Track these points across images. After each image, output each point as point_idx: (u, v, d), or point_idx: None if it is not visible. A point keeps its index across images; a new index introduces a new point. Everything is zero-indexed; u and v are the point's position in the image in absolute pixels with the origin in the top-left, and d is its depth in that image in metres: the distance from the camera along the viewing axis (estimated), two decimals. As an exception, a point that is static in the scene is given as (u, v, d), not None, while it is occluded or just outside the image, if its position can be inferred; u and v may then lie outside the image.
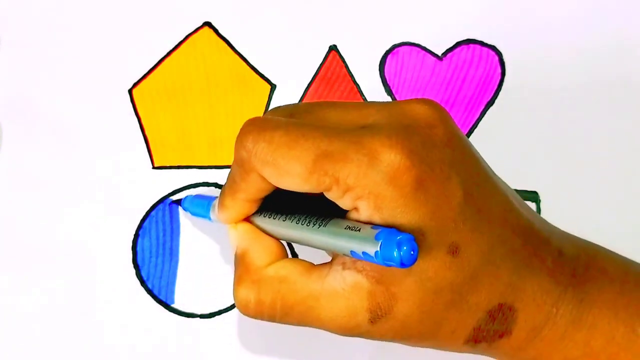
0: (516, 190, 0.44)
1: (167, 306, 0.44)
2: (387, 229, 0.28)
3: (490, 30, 0.47)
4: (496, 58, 0.46)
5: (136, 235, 0.44)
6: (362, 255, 0.29)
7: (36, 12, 0.47)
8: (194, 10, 0.47)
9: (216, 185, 0.45)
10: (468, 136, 0.46)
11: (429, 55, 0.47)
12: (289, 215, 0.33)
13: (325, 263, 0.32)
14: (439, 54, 0.47)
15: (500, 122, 0.46)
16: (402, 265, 0.28)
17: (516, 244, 0.31)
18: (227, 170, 0.45)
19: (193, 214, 0.42)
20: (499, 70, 0.46)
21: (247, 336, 0.43)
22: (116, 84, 0.46)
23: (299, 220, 0.33)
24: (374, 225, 0.29)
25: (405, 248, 0.28)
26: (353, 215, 0.30)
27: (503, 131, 0.46)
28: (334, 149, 0.30)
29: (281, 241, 0.35)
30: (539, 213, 0.44)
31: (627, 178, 0.45)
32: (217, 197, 0.38)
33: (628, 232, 0.44)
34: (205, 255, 0.44)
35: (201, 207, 0.40)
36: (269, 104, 0.46)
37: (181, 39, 0.47)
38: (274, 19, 0.47)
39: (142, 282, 0.44)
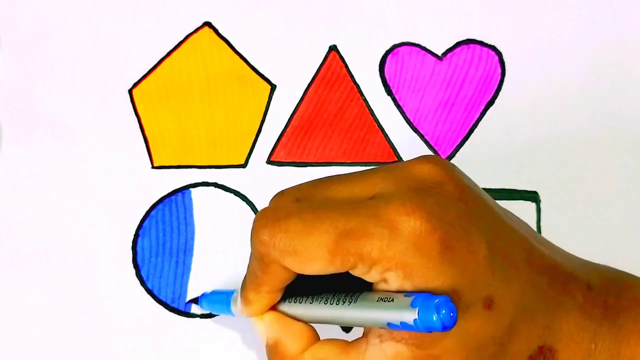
0: (516, 191, 0.44)
1: (167, 306, 0.44)
2: (423, 294, 0.28)
3: (490, 30, 0.47)
4: (496, 58, 0.46)
5: (136, 235, 0.44)
6: (399, 326, 0.28)
7: (36, 12, 0.47)
8: (194, 10, 0.47)
9: (216, 184, 0.45)
10: (468, 136, 0.46)
11: (429, 55, 0.47)
12: (316, 297, 0.33)
13: (360, 339, 0.32)
14: (439, 54, 0.47)
15: (500, 122, 0.46)
16: (444, 328, 0.27)
17: (543, 284, 0.31)
18: (227, 170, 0.45)
19: (212, 311, 0.42)
20: (499, 70, 0.46)
21: (247, 336, 0.43)
22: (116, 84, 0.46)
23: (327, 300, 0.32)
24: (407, 293, 0.29)
25: (444, 311, 0.27)
26: (381, 286, 0.30)
27: (503, 131, 0.46)
28: (352, 227, 0.29)
29: (311, 324, 0.34)
30: (539, 213, 0.44)
31: (627, 178, 0.45)
32: (235, 290, 0.37)
33: (628, 232, 0.44)
34: (211, 255, 0.44)
35: (220, 303, 0.40)
36: (269, 104, 0.46)
37: (181, 39, 0.47)
38: (274, 19, 0.47)
39: (142, 282, 0.44)
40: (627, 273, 0.34)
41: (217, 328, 0.43)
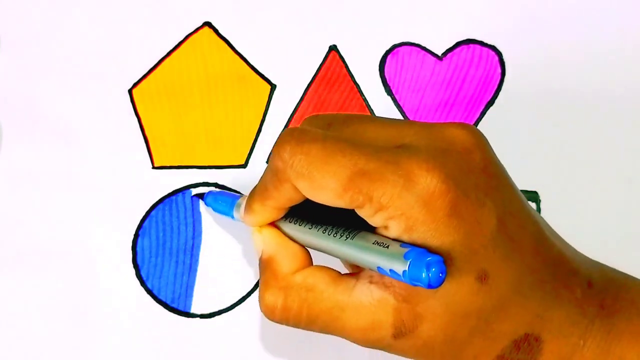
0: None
1: (167, 306, 0.44)
2: (417, 249, 0.28)
3: (490, 30, 0.47)
4: (496, 58, 0.46)
5: (136, 235, 0.44)
6: (389, 273, 0.29)
7: (36, 12, 0.47)
8: (194, 10, 0.47)
9: (216, 185, 0.45)
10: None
11: (429, 55, 0.47)
12: (316, 225, 0.33)
13: (352, 274, 0.32)
14: (439, 54, 0.47)
15: (500, 122, 0.46)
16: (430, 286, 0.28)
17: (546, 274, 0.31)
18: (227, 170, 0.45)
19: (215, 210, 0.42)
20: (499, 70, 0.46)
21: (247, 336, 0.43)
22: (116, 84, 0.46)
23: (325, 230, 0.33)
24: (403, 243, 0.29)
25: (434, 269, 0.28)
26: (381, 231, 0.30)
27: (503, 131, 0.46)
28: (370, 168, 0.30)
29: (307, 248, 0.35)
30: (539, 213, 0.44)
31: (627, 178, 0.45)
32: (241, 195, 0.38)
33: (628, 232, 0.44)
34: (211, 255, 0.44)
35: (224, 204, 0.40)
36: (269, 104, 0.46)
37: (181, 39, 0.47)
38: (274, 19, 0.47)
39: (142, 282, 0.44)
40: (630, 275, 0.34)
41: (217, 328, 0.43)
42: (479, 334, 0.31)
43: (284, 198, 0.33)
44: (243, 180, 0.45)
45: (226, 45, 0.47)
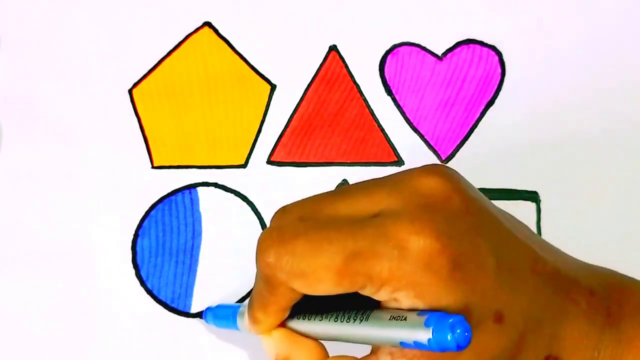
0: (516, 191, 0.44)
1: (167, 306, 0.44)
2: (436, 313, 0.28)
3: (490, 30, 0.47)
4: (496, 58, 0.46)
5: (136, 235, 0.44)
6: (413, 345, 0.28)
7: (36, 12, 0.47)
8: (194, 10, 0.47)
9: (216, 185, 0.45)
10: (468, 136, 0.46)
11: (429, 55, 0.47)
12: (326, 314, 0.32)
13: (370, 356, 0.31)
14: (439, 54, 0.47)
15: (500, 122, 0.46)
16: (459, 348, 0.27)
17: (548, 292, 0.31)
18: (227, 170, 0.45)
19: (218, 325, 0.41)
20: (499, 70, 0.46)
21: (247, 336, 0.43)
22: (116, 84, 0.46)
23: (337, 318, 0.32)
24: (419, 311, 0.29)
25: (458, 331, 0.27)
26: (392, 305, 0.30)
27: (503, 131, 0.46)
28: (360, 247, 0.29)
29: (320, 341, 0.34)
30: (539, 213, 0.44)
31: (627, 178, 0.45)
32: (242, 305, 0.37)
33: (628, 232, 0.44)
34: (211, 255, 0.44)
35: (226, 318, 0.39)
36: (269, 104, 0.46)
37: (181, 39, 0.47)
38: (274, 19, 0.47)
39: (142, 282, 0.44)
40: (629, 277, 0.34)
41: (217, 328, 0.43)
42: None
43: (283, 300, 0.32)
44: (243, 180, 0.45)
45: (226, 45, 0.47)
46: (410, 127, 0.46)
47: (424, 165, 0.32)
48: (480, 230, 0.30)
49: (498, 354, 0.30)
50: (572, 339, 0.31)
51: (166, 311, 0.44)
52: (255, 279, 0.33)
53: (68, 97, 0.46)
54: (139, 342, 0.43)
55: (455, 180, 0.31)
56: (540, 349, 0.31)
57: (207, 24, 0.47)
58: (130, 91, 0.46)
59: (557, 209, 0.44)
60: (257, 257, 0.31)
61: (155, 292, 0.44)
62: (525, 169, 0.45)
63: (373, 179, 0.32)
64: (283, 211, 0.33)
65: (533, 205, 0.45)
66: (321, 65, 0.47)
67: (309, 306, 0.33)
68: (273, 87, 0.46)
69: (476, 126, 0.46)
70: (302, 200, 0.33)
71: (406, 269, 0.29)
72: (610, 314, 0.32)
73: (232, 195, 0.45)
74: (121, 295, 0.44)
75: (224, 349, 0.43)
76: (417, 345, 0.28)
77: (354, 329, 0.31)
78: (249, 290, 0.44)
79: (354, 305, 0.31)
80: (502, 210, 0.33)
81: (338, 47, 0.47)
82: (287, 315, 0.34)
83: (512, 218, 0.33)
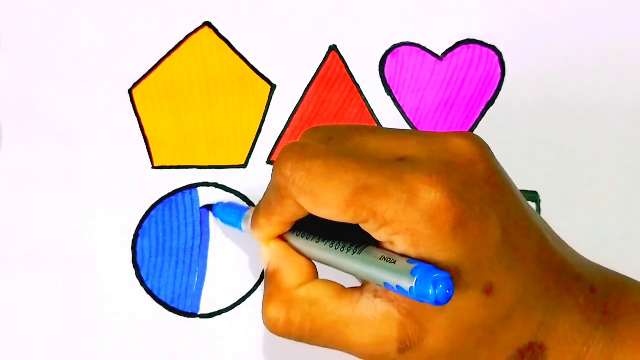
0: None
1: (167, 306, 0.44)
2: (424, 265, 0.28)
3: (490, 30, 0.47)
4: (496, 58, 0.46)
5: (136, 235, 0.44)
6: (395, 289, 0.29)
7: (36, 12, 0.47)
8: (194, 10, 0.47)
9: (216, 185, 0.45)
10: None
11: (429, 55, 0.47)
12: (323, 239, 0.33)
13: (356, 288, 0.32)
14: (439, 54, 0.47)
15: (500, 122, 0.46)
16: (437, 303, 0.27)
17: (549, 281, 0.31)
18: (227, 171, 0.45)
19: (223, 221, 0.42)
20: (499, 70, 0.46)
21: (247, 336, 0.43)
22: (116, 84, 0.46)
23: (332, 244, 0.33)
24: (410, 259, 0.29)
25: (441, 287, 0.27)
26: (387, 246, 0.30)
27: (503, 131, 0.46)
28: (373, 183, 0.29)
29: (313, 261, 0.34)
30: (539, 213, 0.44)
31: (627, 178, 0.45)
32: (249, 207, 0.38)
33: (628, 232, 0.44)
34: (211, 255, 0.44)
35: (233, 215, 0.40)
36: (269, 104, 0.46)
37: (181, 39, 0.47)
38: (274, 19, 0.47)
39: (142, 282, 0.44)
40: (631, 279, 0.34)
41: (217, 328, 0.43)
42: (485, 345, 0.31)
43: (288, 213, 0.33)
44: (243, 180, 0.45)
45: (226, 45, 0.47)
46: (410, 127, 0.46)
47: (459, 131, 0.32)
48: (494, 203, 0.30)
49: (478, 324, 0.30)
50: (563, 331, 0.31)
51: (166, 311, 0.44)
52: (268, 187, 0.33)
53: (68, 97, 0.46)
54: (139, 342, 0.43)
55: (486, 149, 0.32)
56: (525, 333, 0.31)
57: (207, 24, 0.47)
58: (130, 91, 0.46)
59: (557, 209, 0.44)
60: (275, 166, 0.31)
61: (155, 292, 0.44)
62: (525, 169, 0.45)
63: (407, 129, 0.33)
64: (314, 129, 0.34)
65: (533, 205, 0.45)
66: (321, 65, 0.47)
67: (311, 227, 0.34)
68: (273, 87, 0.46)
69: (476, 126, 0.46)
70: (336, 125, 0.33)
71: (410, 215, 0.29)
72: (607, 312, 0.32)
73: (232, 195, 0.45)
74: (121, 295, 0.44)
75: (224, 349, 0.43)
76: (399, 290, 0.29)
77: (345, 259, 0.32)
78: (249, 290, 0.44)
79: (353, 239, 0.32)
80: (523, 197, 0.33)
81: (338, 47, 0.47)
82: (288, 228, 0.34)
83: (531, 207, 0.33)
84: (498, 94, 0.46)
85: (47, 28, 0.47)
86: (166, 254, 0.44)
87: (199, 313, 0.44)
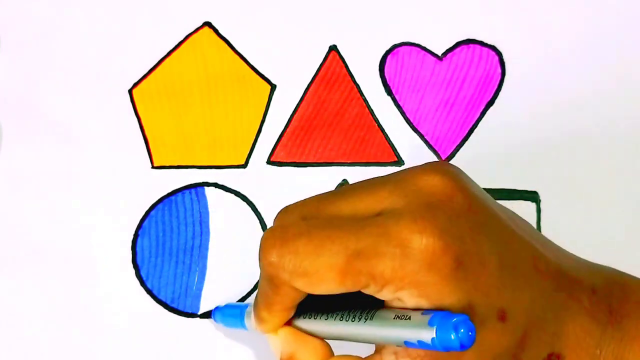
0: (516, 191, 0.44)
1: (167, 306, 0.44)
2: (440, 313, 0.28)
3: (490, 30, 0.47)
4: (496, 58, 0.46)
5: (136, 235, 0.44)
6: (417, 344, 0.28)
7: (36, 12, 0.47)
8: (194, 10, 0.47)
9: (216, 185, 0.45)
10: (468, 136, 0.46)
11: (429, 55, 0.47)
12: (331, 314, 0.33)
13: (374, 355, 0.32)
14: (439, 54, 0.47)
15: (500, 122, 0.46)
16: (462, 347, 0.27)
17: (551, 290, 0.31)
18: (227, 171, 0.45)
19: (226, 325, 0.41)
20: (499, 70, 0.46)
21: (247, 336, 0.43)
22: (116, 84, 0.46)
23: (342, 317, 0.32)
24: (423, 311, 0.29)
25: (462, 330, 0.27)
26: (395, 304, 0.30)
27: (503, 131, 0.46)
28: (363, 246, 0.29)
29: (326, 340, 0.34)
30: (539, 213, 0.44)
31: (627, 178, 0.45)
32: (249, 304, 0.37)
33: (628, 232, 0.44)
34: (211, 255, 0.44)
35: (233, 317, 0.40)
36: (269, 104, 0.46)
37: (181, 39, 0.47)
38: (274, 19, 0.47)
39: (142, 282, 0.44)
40: (630, 275, 0.34)
41: (217, 328, 0.43)
42: None
43: (287, 299, 0.32)
44: (243, 180, 0.45)
45: (226, 45, 0.47)
46: (410, 127, 0.46)
47: (426, 163, 0.32)
48: (482, 229, 0.30)
49: (501, 352, 0.30)
50: (575, 337, 0.31)
51: (166, 311, 0.44)
52: (259, 279, 0.33)
53: (68, 97, 0.46)
54: (139, 342, 0.43)
55: (457, 178, 0.31)
56: (543, 346, 0.31)
57: (207, 24, 0.47)
58: (130, 91, 0.46)
59: (557, 209, 0.44)
60: (260, 257, 0.31)
61: (155, 292, 0.44)
62: (525, 169, 0.45)
63: (375, 178, 0.32)
64: (285, 211, 0.33)
65: (533, 205, 0.45)
66: (321, 65, 0.47)
67: (315, 305, 0.33)
68: (273, 87, 0.46)
69: (476, 126, 0.46)
70: (304, 200, 0.33)
71: (409, 268, 0.29)
72: (612, 312, 0.32)
73: (232, 195, 0.45)
74: (121, 295, 0.44)
75: (223, 349, 0.43)
76: (421, 344, 0.28)
77: (359, 328, 0.31)
78: (249, 290, 0.44)
79: (360, 305, 0.31)
80: (505, 207, 0.33)
81: (338, 47, 0.47)
82: (292, 314, 0.34)
83: (514, 215, 0.33)
84: (498, 94, 0.46)
85: (47, 28, 0.47)
86: (166, 254, 0.44)
87: (199, 313, 0.44)
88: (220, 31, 0.47)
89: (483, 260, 0.29)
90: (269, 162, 0.46)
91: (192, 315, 0.44)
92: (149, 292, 0.44)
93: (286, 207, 0.33)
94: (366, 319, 0.31)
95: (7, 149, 0.45)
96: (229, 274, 0.44)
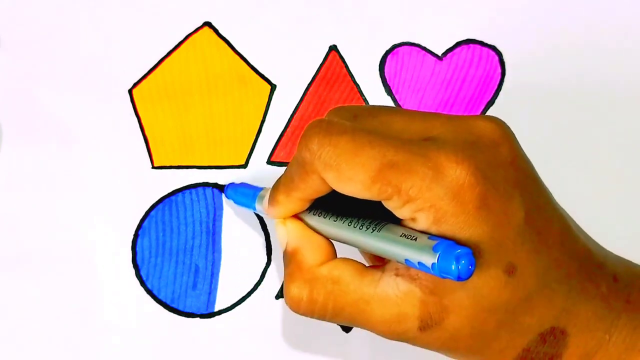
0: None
1: (167, 306, 0.44)
2: (446, 241, 0.28)
3: (490, 30, 0.47)
4: (496, 58, 0.46)
5: (136, 235, 0.44)
6: (417, 265, 0.29)
7: (36, 12, 0.47)
8: (194, 10, 0.47)
9: (216, 185, 0.45)
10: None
11: (429, 55, 0.47)
12: (341, 217, 0.33)
13: (377, 266, 0.32)
14: (439, 54, 0.47)
15: (500, 122, 0.46)
16: (459, 278, 0.28)
17: (572, 268, 0.31)
18: (227, 171, 0.45)
19: (236, 202, 0.42)
20: (499, 70, 0.46)
21: (247, 336, 0.43)
22: (116, 84, 0.46)
23: (351, 223, 0.32)
24: (431, 236, 0.29)
25: (463, 262, 0.28)
26: (409, 224, 0.30)
27: (503, 131, 0.45)
28: (399, 160, 0.30)
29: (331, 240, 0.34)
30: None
31: (627, 178, 0.45)
32: (263, 188, 0.38)
33: (628, 232, 0.44)
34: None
35: (246, 196, 0.40)
36: (269, 104, 0.46)
37: (181, 39, 0.47)
38: (274, 19, 0.47)
39: (142, 282, 0.44)
40: None
41: (217, 328, 0.43)
42: (506, 327, 0.31)
43: (310, 189, 0.32)
44: (243, 180, 0.45)
45: (226, 45, 0.47)
46: (410, 127, 0.46)
47: (484, 114, 0.32)
48: (518, 184, 0.30)
49: (499, 304, 0.30)
50: (585, 318, 0.31)
51: (166, 311, 0.44)
52: (290, 162, 0.33)
53: (68, 97, 0.46)
54: (139, 342, 0.43)
55: (510, 134, 0.32)
56: (547, 317, 0.31)
57: (207, 24, 0.47)
58: (130, 91, 0.46)
59: (557, 209, 0.44)
60: (301, 141, 0.31)
61: (155, 292, 0.44)
62: (525, 169, 0.45)
63: (431, 112, 0.33)
64: (339, 108, 0.34)
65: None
66: (321, 65, 0.47)
67: (327, 205, 0.34)
68: (273, 87, 0.46)
69: (476, 126, 0.46)
70: (361, 105, 0.33)
71: (435, 191, 0.29)
72: (631, 302, 0.32)
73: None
74: (121, 295, 0.44)
75: (224, 349, 0.43)
76: (421, 266, 0.29)
77: (365, 237, 0.31)
78: (249, 290, 0.44)
79: (371, 216, 0.32)
80: (551, 193, 0.33)
81: (338, 47, 0.47)
82: (306, 207, 0.34)
83: (552, 195, 0.33)
84: (498, 94, 0.46)
85: (47, 28, 0.47)
86: (166, 254, 0.44)
87: (199, 313, 0.44)
88: (220, 31, 0.47)
89: (509, 212, 0.30)
90: (269, 162, 0.46)
91: (192, 315, 0.44)
92: (149, 292, 0.44)
93: (342, 105, 0.34)
94: (374, 230, 0.31)
95: (7, 149, 0.45)
96: (229, 273, 0.44)
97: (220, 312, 0.44)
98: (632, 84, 0.46)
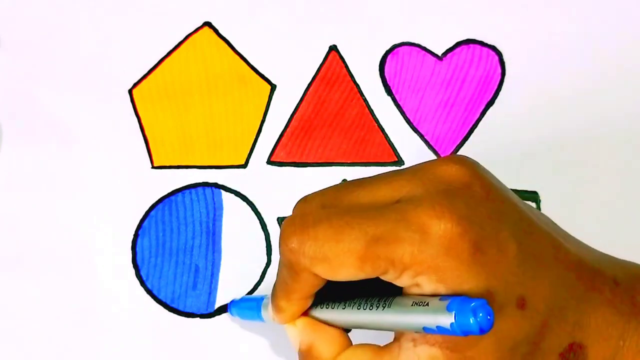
0: (516, 191, 0.44)
1: (167, 306, 0.44)
2: (458, 298, 0.28)
3: (490, 30, 0.47)
4: (496, 58, 0.46)
5: (136, 235, 0.44)
6: (435, 329, 0.28)
7: (36, 12, 0.47)
8: (194, 10, 0.47)
9: (216, 185, 0.45)
10: (468, 136, 0.46)
11: (429, 55, 0.47)
12: (348, 302, 0.33)
13: (393, 343, 0.32)
14: (439, 54, 0.47)
15: (500, 122, 0.46)
16: (481, 331, 0.27)
17: (572, 280, 0.31)
18: (227, 171, 0.45)
19: (242, 317, 0.41)
20: (499, 70, 0.46)
21: (247, 336, 0.43)
22: (116, 84, 0.46)
23: (359, 305, 0.32)
24: (441, 296, 0.29)
25: (481, 314, 0.27)
26: (413, 290, 0.30)
27: (503, 131, 0.46)
28: (381, 232, 0.29)
29: (343, 329, 0.34)
30: (539, 213, 0.44)
31: (627, 177, 0.45)
32: (265, 296, 0.37)
33: (628, 232, 0.44)
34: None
35: (250, 309, 0.40)
36: (269, 104, 0.46)
37: (181, 39, 0.47)
38: (273, 19, 0.47)
39: (142, 282, 0.44)
40: None
41: (217, 328, 0.43)
42: (530, 357, 0.30)
43: (306, 287, 0.32)
44: (243, 180, 0.45)
45: (226, 45, 0.47)
46: (410, 127, 0.46)
47: (443, 156, 0.32)
48: (501, 216, 0.30)
49: (521, 340, 0.30)
50: (597, 327, 0.31)
51: (166, 311, 0.44)
52: (279, 268, 0.33)
53: (68, 97, 0.46)
54: (138, 342, 0.43)
55: (475, 168, 0.31)
56: (564, 336, 0.31)
57: (207, 24, 0.47)
58: (130, 91, 0.46)
59: (557, 209, 0.44)
60: (281, 244, 0.31)
61: (155, 292, 0.44)
62: (525, 169, 0.45)
63: (392, 170, 0.32)
64: (304, 200, 0.33)
65: (533, 205, 0.45)
66: (321, 65, 0.47)
67: (332, 295, 0.34)
68: (273, 87, 0.46)
69: (476, 126, 0.46)
70: (323, 189, 0.33)
71: (428, 252, 0.29)
72: (636, 304, 0.32)
73: (232, 195, 0.45)
74: (121, 295, 0.44)
75: (224, 349, 0.43)
76: (440, 330, 0.28)
77: (377, 316, 0.31)
78: (249, 290, 0.44)
79: (377, 293, 0.32)
80: (523, 201, 0.33)
81: (338, 47, 0.47)
82: (310, 303, 0.34)
83: (533, 209, 0.33)
84: (498, 94, 0.46)
85: (47, 28, 0.47)
86: (166, 254, 0.44)
87: (199, 313, 0.44)
88: (220, 31, 0.47)
89: (502, 247, 0.29)
90: (269, 162, 0.46)
91: (192, 315, 0.44)
92: (149, 292, 0.44)
93: (305, 196, 0.34)
94: (384, 307, 0.31)
95: (7, 149, 0.45)
96: (229, 274, 0.44)
97: (220, 312, 0.44)
98: (632, 84, 0.46)
